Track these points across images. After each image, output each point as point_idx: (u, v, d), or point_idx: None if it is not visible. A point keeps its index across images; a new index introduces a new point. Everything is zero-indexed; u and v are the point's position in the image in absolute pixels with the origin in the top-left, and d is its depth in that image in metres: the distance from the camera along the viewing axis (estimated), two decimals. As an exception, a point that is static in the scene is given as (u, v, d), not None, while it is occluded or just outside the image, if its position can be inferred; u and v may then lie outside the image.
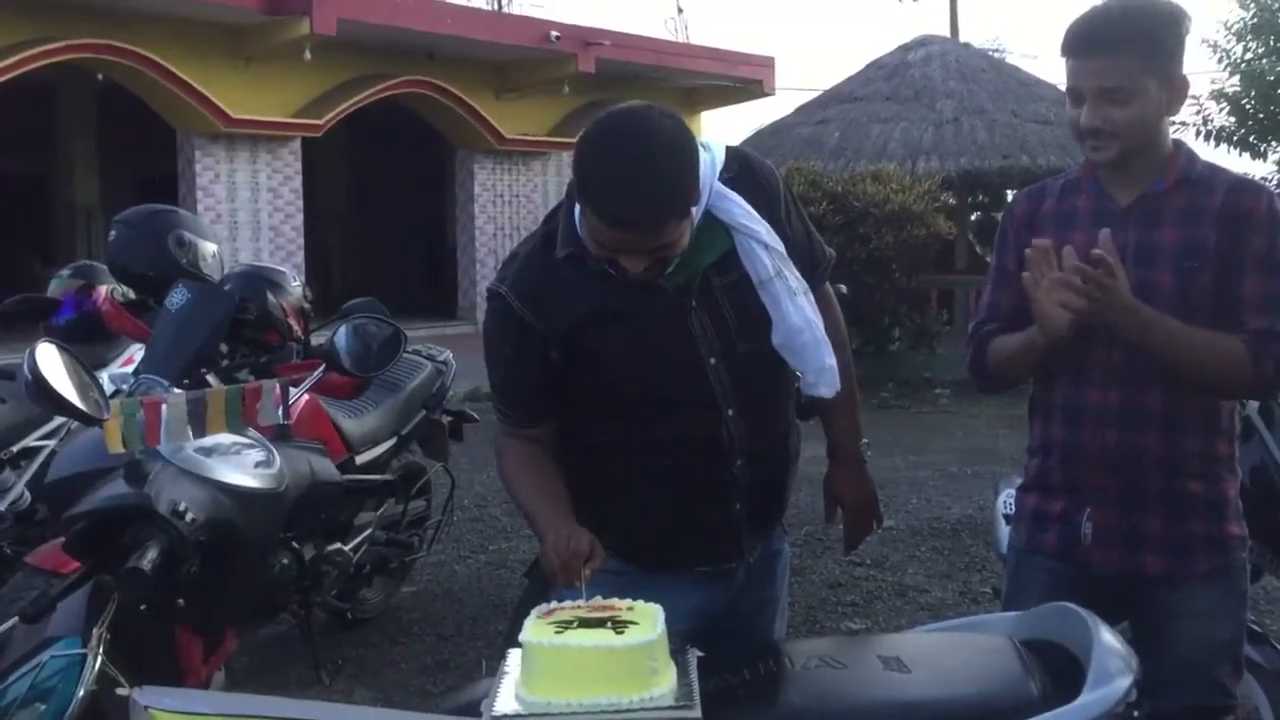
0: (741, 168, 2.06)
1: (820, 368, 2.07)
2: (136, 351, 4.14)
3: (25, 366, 1.83)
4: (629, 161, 1.83)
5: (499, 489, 6.87)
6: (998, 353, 2.25)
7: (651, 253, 1.89)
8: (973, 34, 26.05)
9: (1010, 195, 13.93)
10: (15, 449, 4.05)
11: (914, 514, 6.34)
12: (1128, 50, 2.03)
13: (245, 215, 14.71)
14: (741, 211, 2.00)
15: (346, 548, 3.95)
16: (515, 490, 2.10)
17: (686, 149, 1.87)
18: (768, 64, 19.73)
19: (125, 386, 3.21)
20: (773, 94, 19.93)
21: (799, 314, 2.02)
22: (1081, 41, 2.07)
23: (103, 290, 4.40)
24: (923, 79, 13.70)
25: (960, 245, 13.36)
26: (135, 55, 13.11)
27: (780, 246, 2.02)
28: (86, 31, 12.76)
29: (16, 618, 2.11)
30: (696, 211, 1.95)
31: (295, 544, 3.39)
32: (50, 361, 1.85)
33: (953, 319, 12.17)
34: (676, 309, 2.00)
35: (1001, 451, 7.71)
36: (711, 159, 2.01)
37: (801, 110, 14.32)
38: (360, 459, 4.12)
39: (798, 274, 2.04)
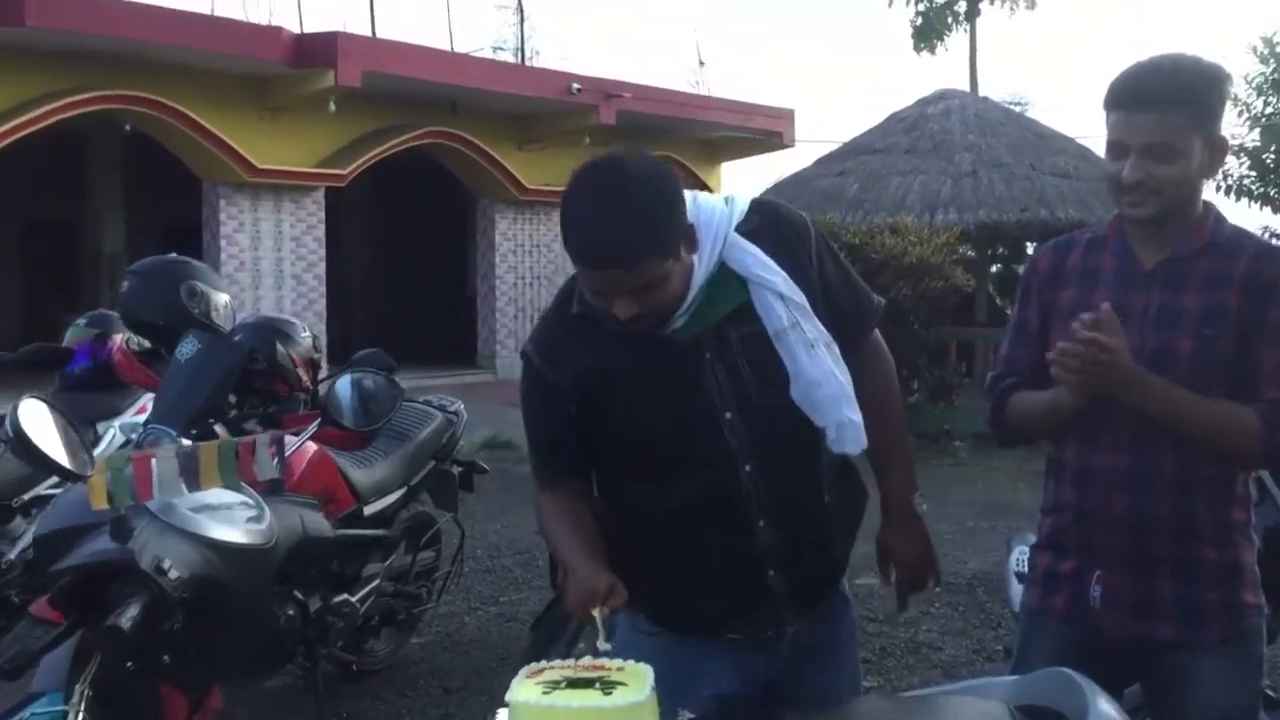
0: (765, 219, 2.05)
1: (841, 422, 2.01)
2: (150, 400, 4.17)
3: (8, 422, 1.84)
4: (599, 200, 1.86)
5: (512, 539, 6.92)
6: (1019, 409, 2.22)
7: (635, 295, 1.88)
8: (995, 88, 26.24)
9: (1030, 248, 13.94)
10: (26, 497, 4.08)
11: (929, 569, 6.26)
12: (1177, 107, 2.01)
13: (268, 264, 14.85)
14: (755, 262, 1.98)
15: (354, 599, 3.93)
16: (549, 538, 2.12)
17: (662, 188, 1.89)
18: (787, 116, 19.87)
19: (134, 436, 3.24)
20: (793, 146, 20.06)
21: (817, 366, 1.98)
22: (1130, 95, 2.05)
23: (118, 339, 4.45)
24: (942, 132, 13.73)
25: (980, 298, 13.31)
26: (162, 106, 13.32)
27: (799, 298, 1.99)
28: (115, 82, 12.97)
29: None
30: (702, 261, 1.95)
31: (299, 595, 3.38)
32: (36, 418, 1.86)
33: (972, 371, 12.10)
34: (690, 362, 1.99)
35: (1020, 505, 7.63)
36: (729, 211, 2.01)
37: (821, 162, 14.37)
38: (369, 509, 4.11)
39: (819, 325, 2.00)
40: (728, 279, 1.98)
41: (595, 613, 1.84)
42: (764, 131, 19.48)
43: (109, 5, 12.78)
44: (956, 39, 22.52)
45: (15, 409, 1.85)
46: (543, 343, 2.07)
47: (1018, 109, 19.81)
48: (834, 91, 58.98)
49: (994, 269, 15.43)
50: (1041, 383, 2.16)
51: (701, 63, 39.89)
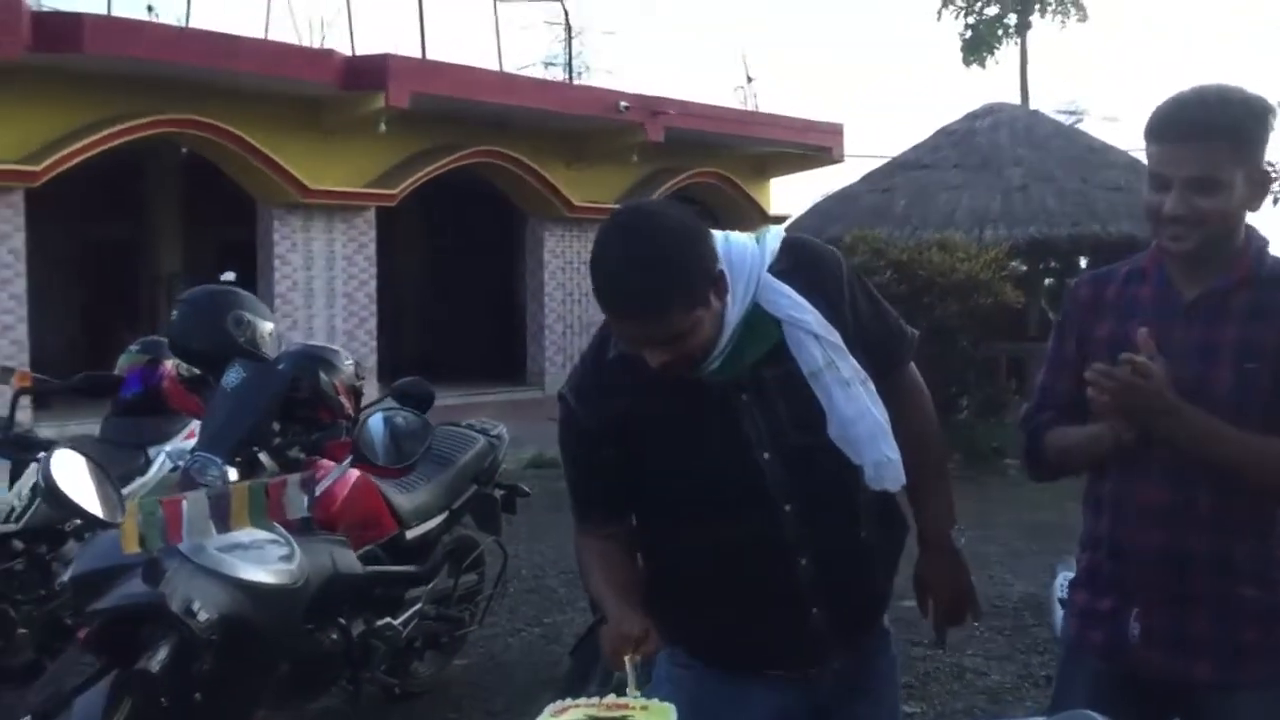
0: (797, 258, 2.05)
1: (879, 460, 2.01)
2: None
3: (40, 473, 1.89)
4: (625, 251, 1.89)
5: (556, 559, 6.93)
6: (1056, 444, 2.20)
7: (665, 344, 1.89)
8: (1049, 97, 25.92)
9: (1083, 262, 13.75)
10: (79, 520, 4.16)
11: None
12: (1221, 139, 1.98)
13: (321, 282, 15.06)
14: (789, 302, 1.99)
15: (396, 622, 3.98)
16: (589, 585, 2.13)
17: (689, 238, 1.90)
18: (836, 131, 19.80)
19: (182, 462, 3.31)
20: (841, 161, 19.96)
21: (852, 404, 1.99)
22: (1173, 127, 2.02)
23: (168, 366, 4.54)
24: (991, 146, 13.60)
25: (1032, 312, 13.15)
26: (217, 129, 13.57)
27: (833, 336, 2.00)
28: (171, 107, 13.24)
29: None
30: (735, 303, 1.96)
31: (342, 620, 3.42)
32: (68, 467, 1.91)
33: (1022, 387, 11.97)
34: (726, 404, 2.00)
35: (1070, 527, 7.40)
36: (760, 252, 2.02)
37: (868, 178, 14.27)
38: (411, 534, 4.16)
39: (854, 363, 2.00)
40: (762, 320, 1.99)
41: (627, 660, 1.85)
42: (813, 147, 19.42)
43: (164, 31, 13.08)
44: (1007, 50, 22.30)
45: (48, 460, 1.91)
46: (580, 387, 2.08)
47: (1072, 119, 19.60)
48: (881, 104, 58.60)
49: (1046, 282, 15.22)
50: (1078, 415, 2.14)
51: (749, 78, 39.63)
